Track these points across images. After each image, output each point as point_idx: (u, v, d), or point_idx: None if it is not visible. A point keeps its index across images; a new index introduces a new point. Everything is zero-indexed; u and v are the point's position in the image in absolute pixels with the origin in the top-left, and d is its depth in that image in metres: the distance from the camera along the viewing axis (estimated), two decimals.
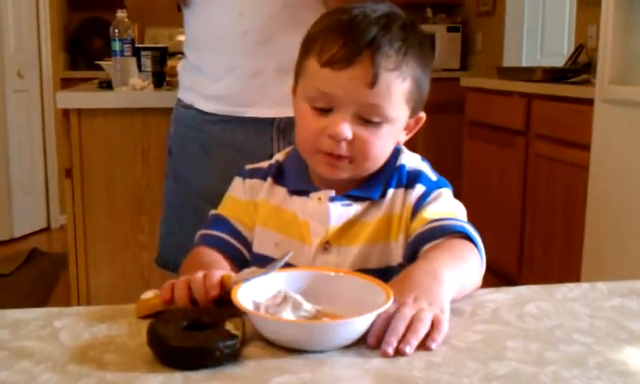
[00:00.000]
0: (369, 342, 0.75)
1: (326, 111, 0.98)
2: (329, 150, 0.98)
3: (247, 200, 1.08)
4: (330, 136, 0.97)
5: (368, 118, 0.97)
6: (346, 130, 0.96)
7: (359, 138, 0.97)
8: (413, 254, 0.97)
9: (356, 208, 1.03)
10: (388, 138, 1.01)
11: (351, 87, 0.95)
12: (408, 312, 0.76)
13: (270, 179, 1.08)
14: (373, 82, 0.94)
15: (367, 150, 0.98)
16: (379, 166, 1.03)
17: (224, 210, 1.10)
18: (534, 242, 3.28)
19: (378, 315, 0.76)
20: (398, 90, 0.98)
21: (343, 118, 0.96)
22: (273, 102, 1.46)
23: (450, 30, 5.06)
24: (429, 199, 1.02)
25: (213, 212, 1.11)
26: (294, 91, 1.07)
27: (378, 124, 0.98)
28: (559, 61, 3.96)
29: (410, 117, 1.04)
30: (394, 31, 0.97)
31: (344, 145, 0.97)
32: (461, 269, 0.90)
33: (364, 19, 0.96)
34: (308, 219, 1.03)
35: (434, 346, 0.75)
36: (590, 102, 2.67)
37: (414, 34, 1.00)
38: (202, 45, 1.52)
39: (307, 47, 1.02)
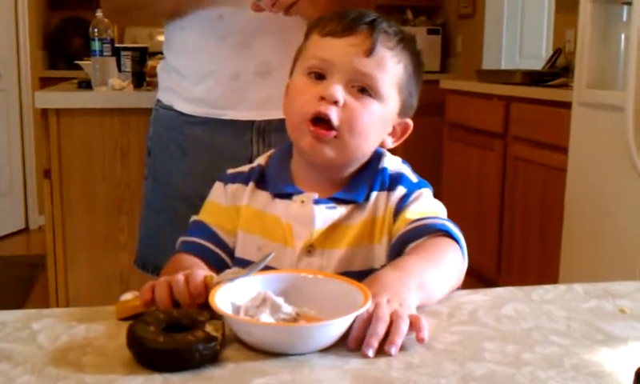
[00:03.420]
0: (349, 347, 0.76)
1: (321, 78, 1.00)
2: (318, 109, 0.97)
3: (229, 205, 1.07)
4: (321, 97, 0.98)
5: (360, 87, 0.99)
6: (338, 92, 0.97)
7: (349, 106, 0.98)
8: (397, 254, 0.98)
9: (340, 211, 1.03)
10: (376, 118, 1.01)
11: (348, 53, 0.99)
12: (385, 312, 0.77)
13: (252, 184, 1.07)
14: (370, 50, 0.99)
15: (355, 120, 0.98)
16: (363, 152, 1.03)
17: (204, 215, 1.09)
18: (512, 244, 3.31)
19: (357, 317, 0.77)
20: (392, 70, 1.01)
21: (337, 82, 0.98)
22: (252, 105, 1.46)
23: (430, 32, 5.09)
24: (410, 200, 1.03)
25: (193, 218, 1.10)
26: (287, 87, 1.08)
27: (368, 97, 0.99)
28: (538, 63, 3.99)
29: (399, 114, 1.05)
30: (393, 23, 1.03)
31: (334, 109, 0.97)
32: (431, 274, 0.90)
33: (364, 12, 1.03)
34: (291, 222, 1.03)
35: (425, 335, 0.76)
36: (567, 105, 2.70)
37: (410, 38, 1.06)
38: (181, 47, 1.51)
39: (309, 31, 1.06)
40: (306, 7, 1.31)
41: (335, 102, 0.97)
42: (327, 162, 1.01)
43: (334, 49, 0.99)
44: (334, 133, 0.98)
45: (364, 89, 0.99)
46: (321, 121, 0.98)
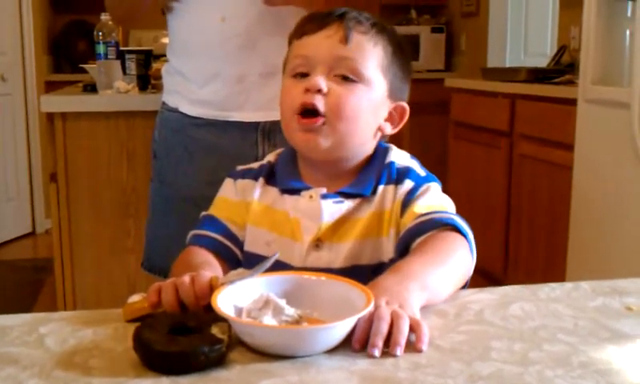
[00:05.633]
0: (353, 347, 0.75)
1: (304, 76, 1.02)
2: (304, 101, 1.00)
3: (239, 200, 1.09)
4: (305, 89, 1.01)
5: (343, 74, 1.01)
6: (321, 81, 1.00)
7: (334, 92, 1.01)
8: (404, 248, 0.98)
9: (348, 205, 1.04)
10: (364, 100, 1.02)
11: (325, 45, 1.02)
12: (385, 312, 0.76)
13: (261, 179, 1.09)
14: (345, 38, 1.02)
15: (340, 105, 1.00)
16: (359, 138, 1.04)
17: (215, 210, 1.10)
18: (519, 242, 3.30)
19: (359, 319, 0.76)
20: (371, 52, 1.03)
21: (319, 74, 1.01)
22: (257, 106, 1.46)
23: (434, 30, 5.08)
24: (417, 194, 1.03)
25: (204, 213, 1.11)
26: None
27: (352, 82, 1.01)
28: (543, 61, 3.98)
29: (390, 97, 1.06)
30: (364, 13, 1.06)
31: (318, 97, 1.00)
32: (435, 274, 0.89)
33: (334, 8, 1.06)
34: (299, 217, 1.04)
35: (424, 347, 0.75)
36: (573, 102, 2.69)
37: (384, 23, 1.08)
38: (185, 50, 1.51)
39: (290, 39, 1.09)
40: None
41: (319, 91, 1.00)
42: (323, 153, 1.03)
43: (311, 44, 1.03)
44: (321, 119, 1.00)
45: (346, 76, 1.01)
46: (308, 112, 1.00)
